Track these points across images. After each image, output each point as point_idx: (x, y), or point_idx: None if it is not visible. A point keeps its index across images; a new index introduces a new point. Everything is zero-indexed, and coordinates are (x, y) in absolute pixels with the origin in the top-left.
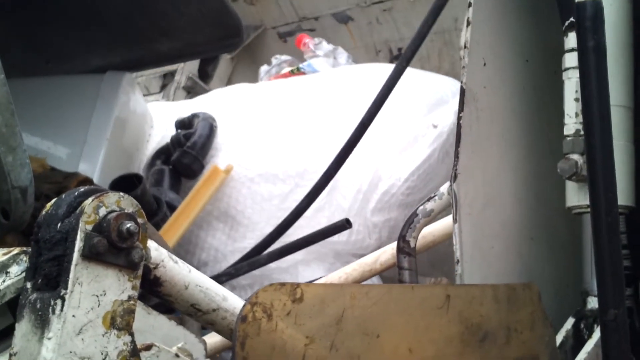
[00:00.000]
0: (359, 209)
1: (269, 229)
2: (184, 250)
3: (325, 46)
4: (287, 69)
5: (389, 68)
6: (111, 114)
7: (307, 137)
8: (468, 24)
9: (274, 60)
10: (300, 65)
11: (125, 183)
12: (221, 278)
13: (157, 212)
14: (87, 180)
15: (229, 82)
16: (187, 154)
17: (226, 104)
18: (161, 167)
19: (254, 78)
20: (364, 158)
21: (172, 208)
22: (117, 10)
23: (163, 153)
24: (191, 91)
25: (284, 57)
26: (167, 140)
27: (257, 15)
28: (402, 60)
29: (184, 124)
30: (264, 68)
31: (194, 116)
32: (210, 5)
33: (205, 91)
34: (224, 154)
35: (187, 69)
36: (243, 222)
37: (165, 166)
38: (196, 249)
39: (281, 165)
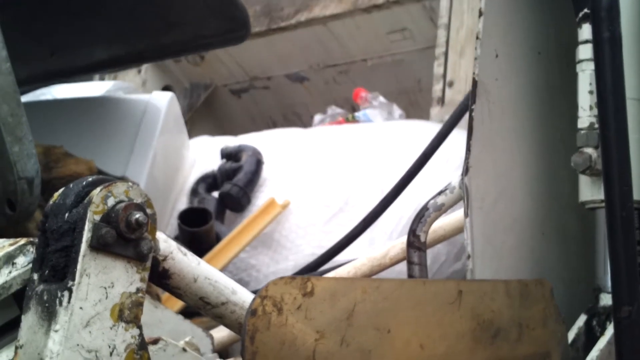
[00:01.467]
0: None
1: (310, 250)
2: (225, 269)
3: (382, 100)
4: (340, 119)
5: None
6: (155, 131)
7: (354, 173)
8: (480, 14)
9: (329, 110)
10: (356, 114)
11: (193, 215)
12: None
13: None
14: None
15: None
16: (237, 187)
17: (275, 143)
18: (207, 196)
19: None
20: (411, 202)
21: None
22: (122, 2)
23: (208, 177)
24: None
25: (338, 110)
26: (211, 168)
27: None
28: (466, 99)
29: (230, 155)
30: (317, 117)
31: (240, 149)
32: None
33: None
34: (270, 185)
35: None
36: (287, 245)
37: (210, 195)
38: (238, 270)
39: (326, 192)
